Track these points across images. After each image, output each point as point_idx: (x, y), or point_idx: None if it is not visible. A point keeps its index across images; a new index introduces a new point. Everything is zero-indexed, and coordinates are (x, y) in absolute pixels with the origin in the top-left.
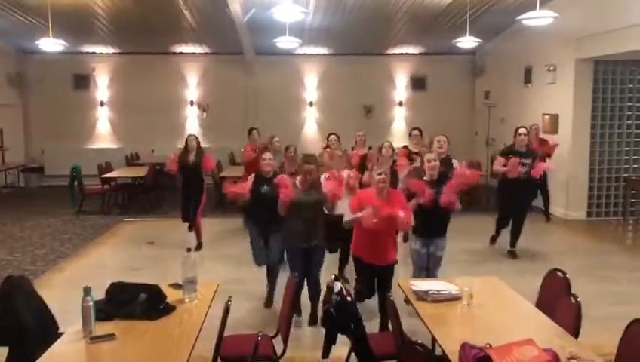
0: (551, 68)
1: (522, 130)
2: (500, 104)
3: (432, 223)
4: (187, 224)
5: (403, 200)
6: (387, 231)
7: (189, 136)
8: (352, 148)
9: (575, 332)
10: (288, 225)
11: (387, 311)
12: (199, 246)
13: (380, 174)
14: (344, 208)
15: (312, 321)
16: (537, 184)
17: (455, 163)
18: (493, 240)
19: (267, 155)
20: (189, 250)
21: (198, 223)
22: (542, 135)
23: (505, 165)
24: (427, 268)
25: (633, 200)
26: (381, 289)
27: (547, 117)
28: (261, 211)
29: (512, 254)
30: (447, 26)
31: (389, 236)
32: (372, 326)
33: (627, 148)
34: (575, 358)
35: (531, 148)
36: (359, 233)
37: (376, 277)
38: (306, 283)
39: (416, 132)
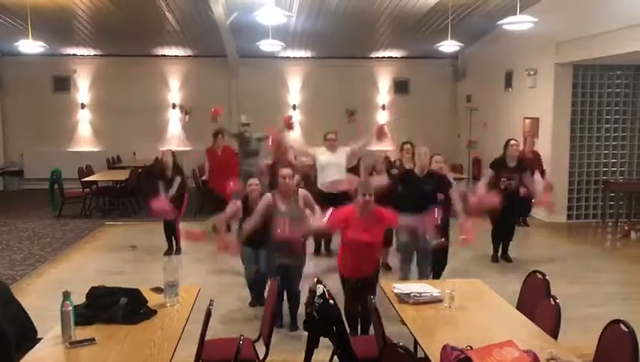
0: (531, 72)
1: (513, 142)
2: (481, 107)
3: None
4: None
5: (389, 214)
6: (373, 247)
7: (164, 151)
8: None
9: (555, 334)
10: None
11: (369, 314)
12: (178, 251)
13: (364, 195)
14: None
15: (292, 328)
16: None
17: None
18: (495, 259)
19: (253, 181)
20: (167, 253)
21: (177, 228)
22: (535, 148)
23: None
24: (418, 262)
25: (612, 202)
26: (364, 292)
27: (528, 120)
28: (257, 235)
29: (507, 258)
30: (430, 30)
31: (374, 251)
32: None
33: (606, 152)
34: (554, 359)
35: (523, 161)
36: (346, 252)
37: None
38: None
39: (407, 146)
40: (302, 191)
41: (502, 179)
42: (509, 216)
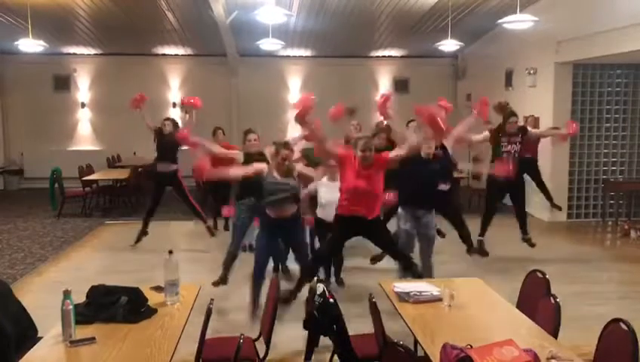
0: (531, 71)
1: (513, 118)
2: None
3: (419, 194)
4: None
5: (386, 156)
6: (371, 195)
7: (165, 120)
8: (347, 140)
9: (555, 332)
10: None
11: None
12: (211, 230)
13: (364, 151)
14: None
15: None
16: (529, 162)
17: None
18: (484, 252)
19: (252, 136)
20: (170, 252)
21: (193, 203)
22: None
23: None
24: (420, 250)
25: (612, 202)
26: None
27: (528, 119)
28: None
29: (529, 241)
30: (430, 29)
31: (373, 201)
32: (355, 327)
33: (606, 151)
34: (555, 358)
35: (524, 128)
36: (343, 197)
37: (361, 235)
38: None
39: (414, 123)
40: (298, 167)
41: (502, 143)
42: (515, 186)
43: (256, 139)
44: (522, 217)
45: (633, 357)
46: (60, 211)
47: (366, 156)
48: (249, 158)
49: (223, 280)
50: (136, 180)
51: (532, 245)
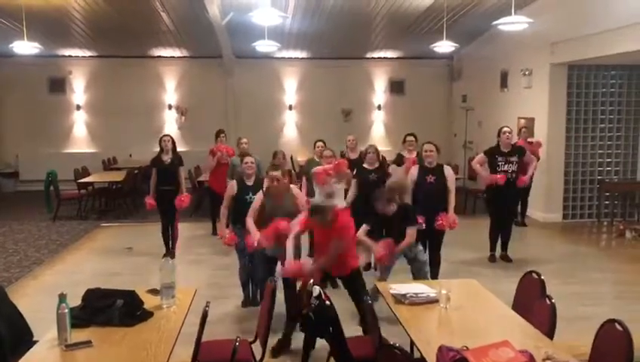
0: (527, 72)
1: (506, 129)
2: (477, 108)
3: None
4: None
5: (344, 225)
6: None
7: (164, 136)
8: (342, 154)
9: (550, 333)
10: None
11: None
12: (172, 255)
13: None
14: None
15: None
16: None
17: (446, 170)
18: (492, 258)
19: (249, 159)
20: (165, 255)
21: (175, 227)
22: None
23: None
24: (413, 275)
25: (607, 202)
26: (352, 294)
27: (523, 120)
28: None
29: (506, 258)
30: (425, 30)
31: (343, 256)
32: (351, 329)
33: (601, 151)
34: (550, 359)
35: (516, 145)
36: (316, 244)
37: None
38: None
39: (411, 138)
40: (296, 190)
41: (498, 163)
42: (508, 203)
43: (253, 162)
44: (507, 234)
45: (628, 357)
46: (56, 214)
47: (322, 224)
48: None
49: (247, 302)
50: (132, 182)
51: (509, 261)
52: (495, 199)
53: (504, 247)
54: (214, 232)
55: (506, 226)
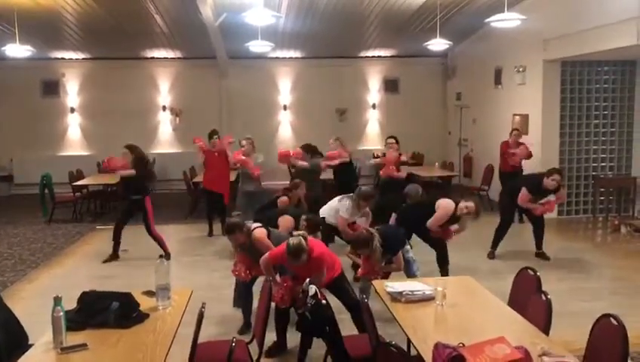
0: (520, 69)
1: (557, 177)
2: (471, 105)
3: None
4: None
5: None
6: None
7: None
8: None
9: (546, 329)
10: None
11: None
12: (168, 256)
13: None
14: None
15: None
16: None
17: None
18: (491, 255)
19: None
20: (161, 256)
21: (155, 235)
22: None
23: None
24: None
25: (602, 198)
26: (338, 295)
27: (517, 117)
28: None
29: (543, 256)
30: (419, 28)
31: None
32: (348, 328)
33: (595, 147)
34: (546, 354)
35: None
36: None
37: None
38: None
39: (391, 140)
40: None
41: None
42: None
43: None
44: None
45: (623, 352)
46: (51, 217)
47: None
48: None
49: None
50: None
51: (546, 258)
52: (511, 206)
53: (539, 245)
54: (210, 233)
55: (537, 224)
